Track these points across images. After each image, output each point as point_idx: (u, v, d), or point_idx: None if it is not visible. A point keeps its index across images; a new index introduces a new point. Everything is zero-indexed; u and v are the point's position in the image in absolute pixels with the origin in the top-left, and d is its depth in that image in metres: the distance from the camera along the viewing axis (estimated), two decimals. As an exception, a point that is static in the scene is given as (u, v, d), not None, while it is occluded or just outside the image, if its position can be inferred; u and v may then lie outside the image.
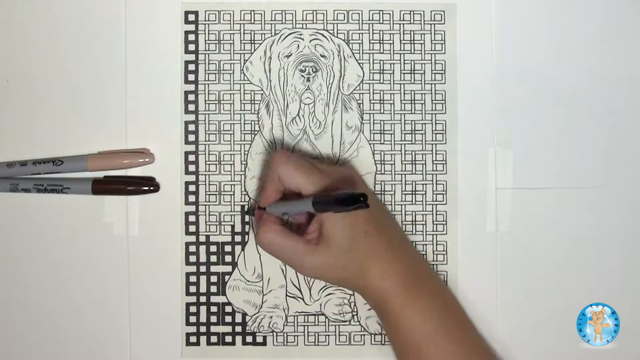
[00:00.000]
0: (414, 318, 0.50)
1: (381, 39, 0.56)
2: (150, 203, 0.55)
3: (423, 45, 0.56)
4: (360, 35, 0.56)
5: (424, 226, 0.56)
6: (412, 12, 0.56)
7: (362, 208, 0.43)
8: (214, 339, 0.56)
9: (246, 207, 0.56)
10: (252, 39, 0.56)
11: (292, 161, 0.50)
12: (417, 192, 0.56)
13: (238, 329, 0.56)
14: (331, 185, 0.49)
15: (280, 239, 0.50)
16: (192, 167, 0.56)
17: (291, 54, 0.56)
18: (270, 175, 0.51)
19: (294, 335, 0.56)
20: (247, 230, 0.56)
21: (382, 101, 0.56)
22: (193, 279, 0.56)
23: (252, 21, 0.56)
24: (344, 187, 0.49)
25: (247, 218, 0.56)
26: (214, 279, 0.56)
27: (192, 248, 0.56)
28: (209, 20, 0.56)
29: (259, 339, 0.56)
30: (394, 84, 0.56)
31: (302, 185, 0.49)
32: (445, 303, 0.53)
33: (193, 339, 0.56)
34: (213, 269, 0.56)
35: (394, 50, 0.56)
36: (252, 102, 0.56)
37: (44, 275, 0.55)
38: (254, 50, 0.56)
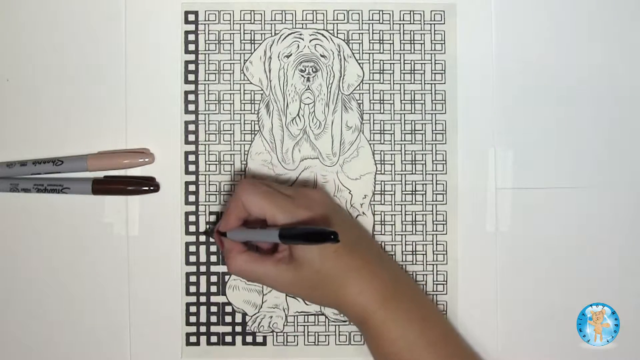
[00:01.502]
0: (393, 331, 0.50)
1: (381, 39, 0.56)
2: (150, 203, 0.55)
3: (423, 45, 0.56)
4: (360, 35, 0.56)
5: (424, 226, 0.56)
6: (412, 12, 0.56)
7: (332, 243, 0.44)
8: (214, 339, 0.56)
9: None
10: (252, 39, 0.56)
11: (257, 189, 0.50)
12: (417, 192, 0.56)
13: (238, 329, 0.56)
14: (296, 211, 0.49)
15: (249, 266, 0.50)
16: (192, 167, 0.56)
17: (291, 54, 0.56)
18: (233, 201, 0.51)
19: (294, 335, 0.56)
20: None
21: (382, 101, 0.56)
22: (193, 279, 0.56)
23: (252, 21, 0.56)
24: (313, 216, 0.49)
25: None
26: (214, 279, 0.56)
27: (192, 248, 0.56)
28: (209, 20, 0.56)
29: (259, 339, 0.56)
30: (394, 84, 0.56)
31: (267, 211, 0.49)
32: (425, 314, 0.52)
33: (193, 339, 0.56)
34: (213, 269, 0.56)
35: (394, 50, 0.56)
36: (252, 102, 0.56)
37: (44, 275, 0.55)
38: (254, 50, 0.56)
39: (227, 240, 0.51)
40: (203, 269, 0.56)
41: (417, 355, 0.50)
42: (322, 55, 0.56)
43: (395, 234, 0.56)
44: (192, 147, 0.56)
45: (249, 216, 0.51)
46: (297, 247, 0.49)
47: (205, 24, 0.56)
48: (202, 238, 0.55)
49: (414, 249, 0.56)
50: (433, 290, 0.56)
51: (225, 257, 0.52)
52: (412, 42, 0.56)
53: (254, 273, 0.50)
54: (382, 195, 0.56)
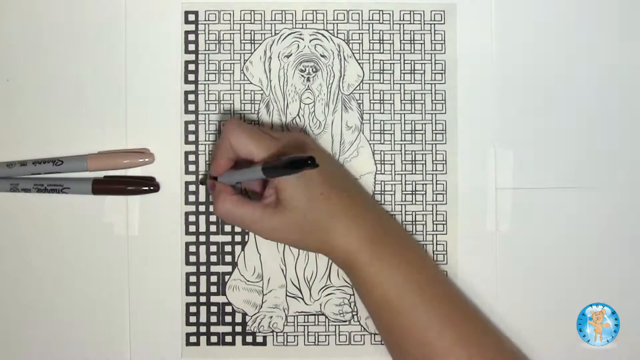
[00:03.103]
0: (380, 273, 0.50)
1: (381, 39, 0.56)
2: (150, 203, 0.55)
3: (423, 45, 0.56)
4: (360, 35, 0.56)
5: (424, 226, 0.56)
6: (412, 12, 0.56)
7: (310, 168, 0.44)
8: (214, 339, 0.56)
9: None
10: (252, 39, 0.56)
11: (244, 129, 0.50)
12: (417, 192, 0.56)
13: (238, 329, 0.56)
14: (282, 150, 0.49)
15: (237, 209, 0.50)
16: (192, 167, 0.56)
17: (291, 54, 0.56)
18: (222, 143, 0.51)
19: (294, 335, 0.56)
20: (247, 230, 0.56)
21: (382, 101, 0.56)
22: (193, 279, 0.56)
23: (252, 21, 0.56)
24: (293, 152, 0.49)
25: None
26: (214, 279, 0.56)
27: (192, 248, 0.56)
28: (209, 20, 0.56)
29: (259, 339, 0.56)
30: (394, 84, 0.56)
31: (254, 151, 0.49)
32: (413, 257, 0.52)
33: (193, 339, 0.56)
34: (213, 269, 0.56)
35: (394, 50, 0.56)
36: (252, 102, 0.56)
37: (44, 275, 0.55)
38: (254, 50, 0.56)
39: (218, 183, 0.51)
40: (203, 269, 0.56)
41: (405, 297, 0.49)
42: (322, 55, 0.56)
43: (395, 234, 0.56)
44: (192, 147, 0.56)
45: (238, 158, 0.51)
46: (283, 190, 0.49)
47: (205, 24, 0.56)
48: (202, 238, 0.55)
49: (414, 249, 0.56)
50: (433, 290, 0.56)
51: (213, 199, 0.52)
52: (412, 42, 0.56)
53: (240, 216, 0.50)
54: (382, 195, 0.56)
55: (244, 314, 0.56)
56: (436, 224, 0.56)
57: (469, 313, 0.52)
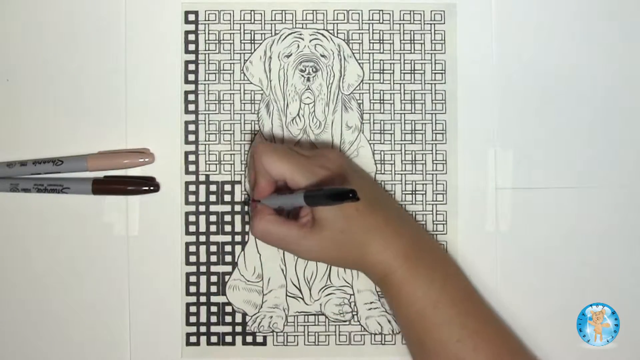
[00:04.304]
0: (416, 288, 0.50)
1: (381, 39, 0.56)
2: (150, 203, 0.55)
3: (423, 45, 0.56)
4: (360, 35, 0.56)
5: (424, 226, 0.56)
6: (412, 12, 0.56)
7: (352, 201, 0.44)
8: (214, 339, 0.56)
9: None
10: (252, 39, 0.56)
11: (277, 151, 0.50)
12: (417, 192, 0.56)
13: (238, 329, 0.56)
14: (319, 172, 0.49)
15: (274, 227, 0.50)
16: (192, 167, 0.56)
17: (291, 54, 0.56)
18: (257, 168, 0.51)
19: (294, 335, 0.56)
20: (247, 230, 0.56)
21: (382, 101, 0.56)
22: (193, 279, 0.56)
23: (252, 21, 0.56)
24: (331, 175, 0.49)
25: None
26: (214, 279, 0.56)
27: (192, 248, 0.56)
28: (209, 20, 0.56)
29: (259, 339, 0.56)
30: (394, 84, 0.56)
31: (289, 175, 0.49)
32: (448, 272, 0.53)
33: (193, 339, 0.56)
34: (213, 269, 0.56)
35: (394, 50, 0.56)
36: (252, 102, 0.56)
37: (43, 275, 0.55)
38: (254, 50, 0.56)
39: (258, 204, 0.51)
40: (203, 269, 0.56)
41: (441, 312, 0.50)
42: (322, 55, 0.56)
43: (395, 234, 0.56)
44: (192, 147, 0.56)
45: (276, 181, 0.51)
46: (319, 210, 0.49)
47: (205, 24, 0.56)
48: (202, 238, 0.55)
49: (414, 249, 0.56)
50: (433, 290, 0.56)
51: (251, 219, 0.52)
52: (412, 42, 0.56)
53: (278, 234, 0.50)
54: (382, 195, 0.56)
55: (244, 314, 0.56)
56: (436, 224, 0.56)
57: (501, 330, 0.53)
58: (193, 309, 0.56)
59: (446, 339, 0.49)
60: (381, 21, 0.56)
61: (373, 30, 0.56)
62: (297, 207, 0.52)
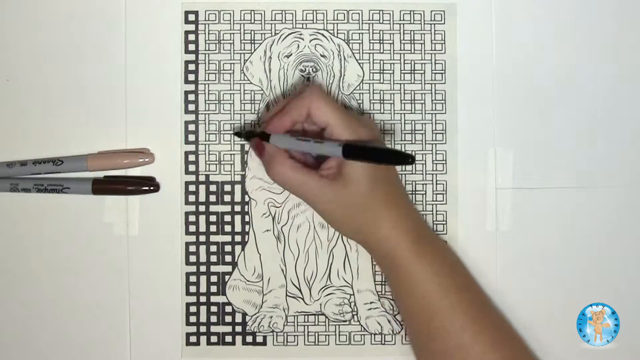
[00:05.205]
0: (423, 271, 0.50)
1: (381, 39, 0.56)
2: (150, 203, 0.55)
3: (423, 45, 0.56)
4: (360, 35, 0.56)
5: (424, 226, 0.56)
6: (412, 12, 0.56)
7: (407, 164, 0.44)
8: (214, 339, 0.56)
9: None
10: (252, 38, 0.56)
11: (329, 99, 0.50)
12: (417, 192, 0.56)
13: (238, 329, 0.56)
14: (363, 132, 0.49)
15: (295, 174, 0.49)
16: (192, 167, 0.56)
17: (291, 54, 0.56)
18: (298, 103, 0.49)
19: (294, 335, 0.56)
20: (247, 230, 0.56)
21: (382, 101, 0.56)
22: (193, 279, 0.56)
23: (252, 21, 0.56)
24: (372, 138, 0.49)
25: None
26: (214, 279, 0.56)
27: (192, 248, 0.56)
28: (209, 20, 0.56)
29: (259, 339, 0.56)
30: (394, 84, 0.56)
31: (334, 124, 0.48)
32: (451, 260, 0.53)
33: (193, 339, 0.56)
34: (213, 269, 0.56)
35: (394, 50, 0.56)
36: (252, 102, 0.56)
37: (43, 275, 0.55)
38: (254, 50, 0.56)
39: (269, 145, 0.50)
40: (203, 269, 0.56)
41: (444, 298, 0.49)
42: (322, 55, 0.56)
43: (395, 234, 0.56)
44: (192, 147, 0.56)
45: (300, 124, 0.50)
46: (348, 165, 0.48)
47: (205, 24, 0.56)
48: (202, 238, 0.55)
49: (414, 249, 0.56)
50: (433, 290, 0.56)
51: (267, 162, 0.50)
52: (412, 42, 0.56)
53: (298, 181, 0.49)
54: (382, 195, 0.56)
55: (244, 314, 0.56)
56: (436, 224, 0.56)
57: (499, 319, 0.53)
58: (193, 308, 0.56)
59: (449, 326, 0.49)
60: (381, 21, 0.56)
61: (373, 30, 0.56)
62: (312, 159, 0.51)
